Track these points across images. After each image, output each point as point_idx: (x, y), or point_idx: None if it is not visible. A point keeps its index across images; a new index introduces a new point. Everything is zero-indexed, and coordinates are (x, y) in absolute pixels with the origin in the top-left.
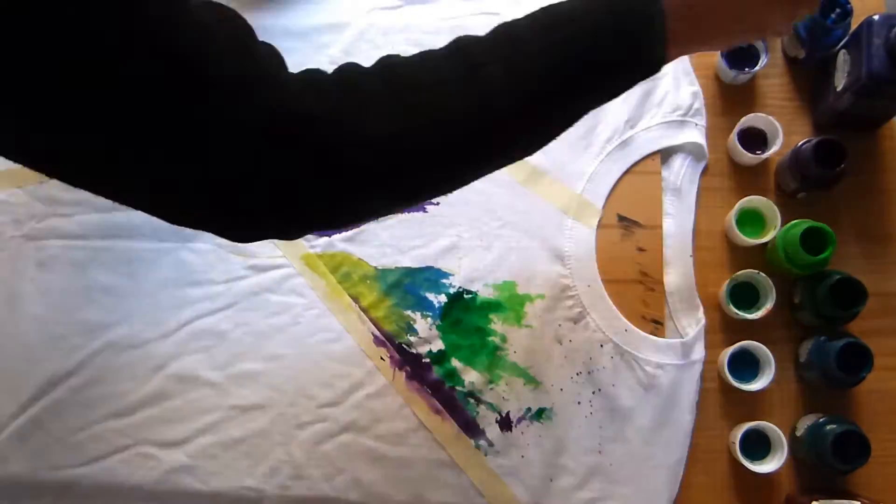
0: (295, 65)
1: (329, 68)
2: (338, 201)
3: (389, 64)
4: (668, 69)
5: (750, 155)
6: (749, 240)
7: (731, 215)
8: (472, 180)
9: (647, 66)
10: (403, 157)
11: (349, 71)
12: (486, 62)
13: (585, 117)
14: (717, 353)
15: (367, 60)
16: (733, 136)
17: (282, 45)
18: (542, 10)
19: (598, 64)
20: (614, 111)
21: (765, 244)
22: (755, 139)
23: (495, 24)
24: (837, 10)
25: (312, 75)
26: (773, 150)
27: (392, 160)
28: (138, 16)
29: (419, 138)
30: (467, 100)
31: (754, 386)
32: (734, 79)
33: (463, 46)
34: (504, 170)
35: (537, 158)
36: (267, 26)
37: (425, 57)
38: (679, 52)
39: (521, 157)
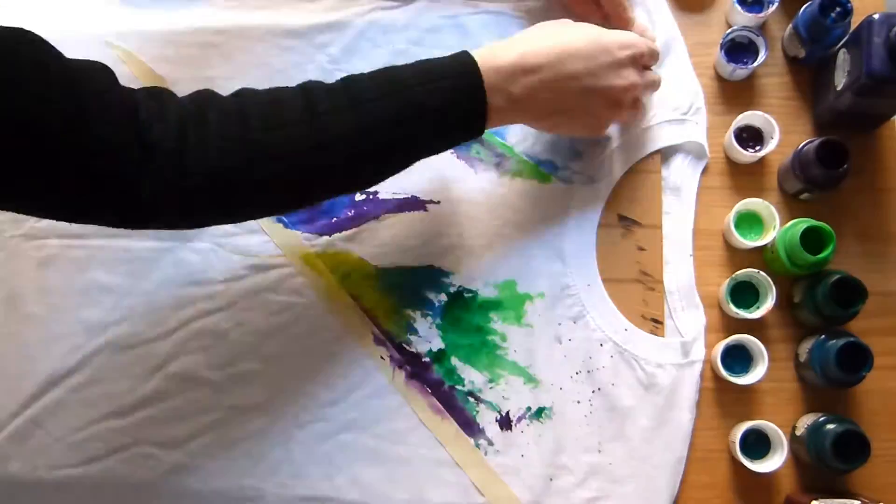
0: (296, 64)
1: (329, 68)
2: (182, 217)
3: (242, 100)
4: (669, 67)
5: (745, 153)
6: (748, 242)
7: (729, 219)
8: (311, 205)
9: (469, 134)
10: (244, 186)
11: (203, 102)
12: (333, 110)
13: None
14: None
15: (368, 59)
16: (729, 134)
17: (283, 45)
18: (384, 71)
19: (426, 129)
20: None
21: (764, 245)
22: (753, 137)
23: (496, 23)
24: (837, 9)
25: (165, 104)
26: (770, 147)
27: (232, 188)
28: None
29: (259, 170)
30: (308, 142)
31: (747, 380)
32: (732, 73)
33: (311, 92)
34: (505, 170)
35: (539, 158)
36: (268, 26)
37: (276, 97)
38: (501, 124)
39: (353, 192)
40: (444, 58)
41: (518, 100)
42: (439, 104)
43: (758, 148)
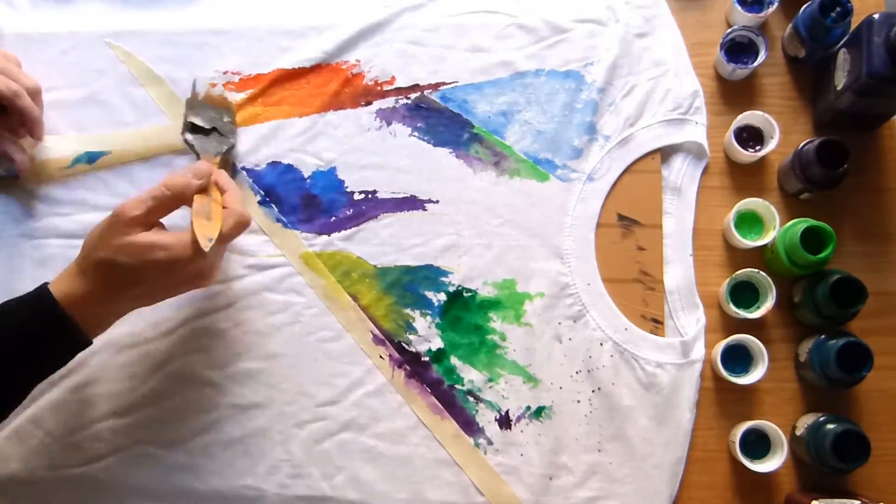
0: (293, 63)
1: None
2: None
3: None
4: (669, 67)
5: (745, 152)
6: (748, 242)
7: (730, 218)
8: None
9: (78, 347)
10: None
11: None
12: None
13: (584, 114)
14: None
15: (364, 58)
16: (729, 134)
17: (281, 45)
18: None
19: (27, 368)
20: (614, 109)
21: (764, 244)
22: (753, 137)
23: (495, 22)
24: (837, 9)
25: None
26: (770, 147)
27: None
28: None
29: None
30: None
31: (747, 379)
32: (732, 73)
33: None
34: (503, 169)
35: (537, 156)
36: (267, 27)
37: None
38: (105, 325)
39: None
40: (19, 299)
41: (99, 298)
42: (21, 347)
43: (758, 148)
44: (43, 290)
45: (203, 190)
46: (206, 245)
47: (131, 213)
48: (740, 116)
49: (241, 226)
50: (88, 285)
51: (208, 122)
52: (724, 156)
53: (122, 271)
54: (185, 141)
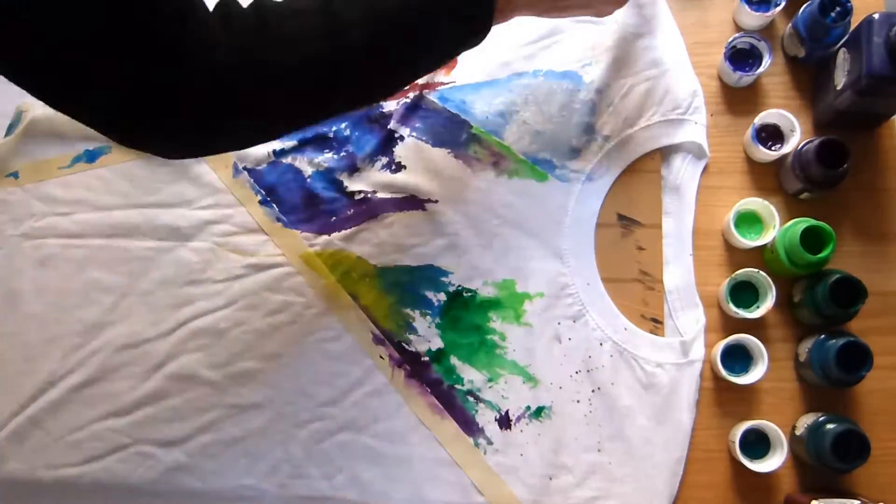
0: None
1: None
2: (210, 119)
3: (260, 5)
4: (668, 67)
5: (768, 152)
6: (747, 242)
7: (729, 218)
8: (326, 115)
9: (477, 34)
10: (258, 78)
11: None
12: (345, 9)
13: (582, 114)
14: None
15: None
16: (749, 133)
17: None
18: None
19: (441, 25)
20: (613, 109)
21: (764, 244)
22: (772, 136)
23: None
24: (837, 9)
25: (226, 10)
26: (792, 144)
27: (249, 80)
28: None
29: (274, 61)
30: (320, 30)
31: (747, 379)
32: (739, 81)
33: None
34: (502, 169)
35: (536, 157)
36: None
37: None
38: (505, 19)
39: (365, 103)
40: None
41: None
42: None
43: (777, 146)
44: None
45: None
46: None
47: None
48: (761, 115)
49: None
50: None
51: None
52: (725, 156)
53: None
54: None
